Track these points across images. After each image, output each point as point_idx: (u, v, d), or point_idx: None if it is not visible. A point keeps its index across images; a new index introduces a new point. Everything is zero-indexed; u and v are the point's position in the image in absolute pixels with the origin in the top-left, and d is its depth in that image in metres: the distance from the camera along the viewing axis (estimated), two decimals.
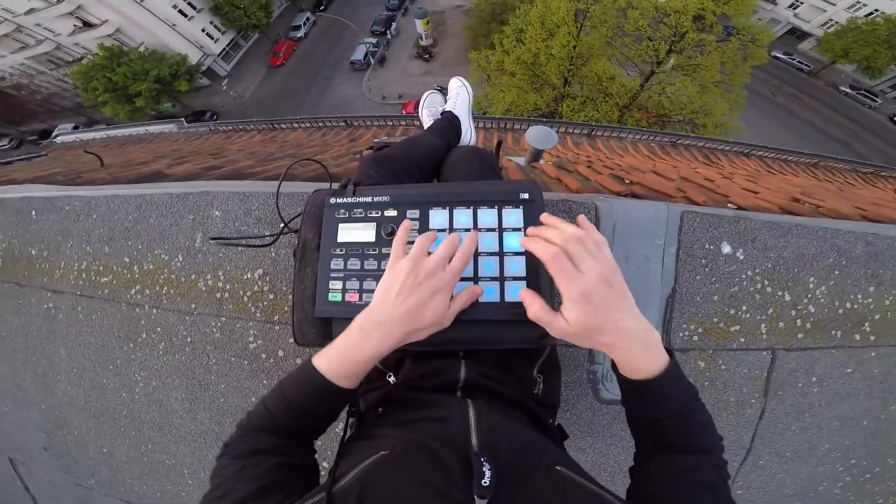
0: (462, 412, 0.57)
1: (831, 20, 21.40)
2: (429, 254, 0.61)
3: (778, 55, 21.77)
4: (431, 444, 0.49)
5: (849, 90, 21.03)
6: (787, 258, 1.26)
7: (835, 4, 21.28)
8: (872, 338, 1.36)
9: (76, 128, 19.54)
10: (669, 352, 0.57)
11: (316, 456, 0.62)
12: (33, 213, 1.66)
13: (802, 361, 1.34)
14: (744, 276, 1.24)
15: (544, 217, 0.63)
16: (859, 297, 1.32)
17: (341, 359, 0.57)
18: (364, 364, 0.57)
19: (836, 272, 1.29)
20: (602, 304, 0.52)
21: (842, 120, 20.07)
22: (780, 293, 1.27)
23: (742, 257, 1.23)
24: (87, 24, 20.49)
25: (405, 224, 0.65)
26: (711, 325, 1.25)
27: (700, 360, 1.27)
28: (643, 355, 0.55)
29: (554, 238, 0.55)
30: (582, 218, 0.61)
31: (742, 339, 1.28)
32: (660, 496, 0.54)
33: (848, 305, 1.32)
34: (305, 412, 0.58)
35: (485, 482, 0.42)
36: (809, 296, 1.29)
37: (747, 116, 12.52)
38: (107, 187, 1.64)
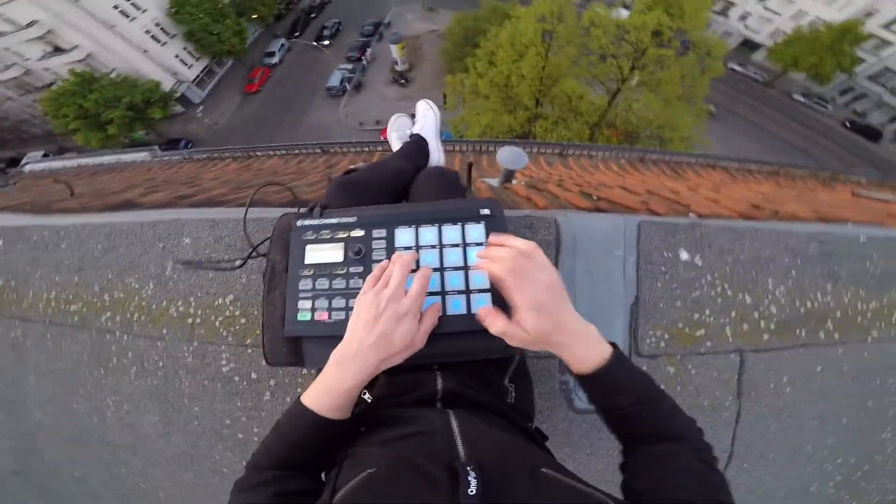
0: (445, 423, 0.59)
1: (778, 30, 22.47)
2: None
3: (734, 67, 22.68)
4: (417, 460, 0.50)
5: (802, 98, 22.08)
6: (745, 261, 1.30)
7: (780, 14, 22.49)
8: (837, 335, 1.39)
9: (46, 156, 18.96)
10: (613, 344, 0.62)
11: (322, 484, 0.62)
12: (1, 243, 1.63)
13: (772, 362, 1.36)
14: (704, 281, 1.28)
15: (492, 238, 0.68)
16: (818, 295, 1.36)
17: (326, 393, 0.60)
18: (348, 395, 0.60)
19: (793, 272, 1.34)
20: (552, 309, 0.57)
21: (799, 127, 21.02)
22: (740, 295, 1.31)
23: (700, 263, 1.27)
24: (58, 49, 20.07)
25: (382, 264, 0.67)
26: (677, 330, 1.28)
27: (669, 365, 1.30)
28: (586, 348, 0.60)
29: (502, 255, 0.60)
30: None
31: (709, 343, 1.30)
32: (646, 488, 0.55)
33: (808, 304, 1.36)
34: (303, 447, 0.60)
35: (471, 491, 0.43)
36: (770, 297, 1.32)
37: (714, 129, 13.00)
38: (77, 216, 1.63)
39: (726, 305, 1.30)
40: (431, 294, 0.72)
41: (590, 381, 0.60)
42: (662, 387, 0.63)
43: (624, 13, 11.86)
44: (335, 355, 0.61)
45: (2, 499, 1.90)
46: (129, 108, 18.22)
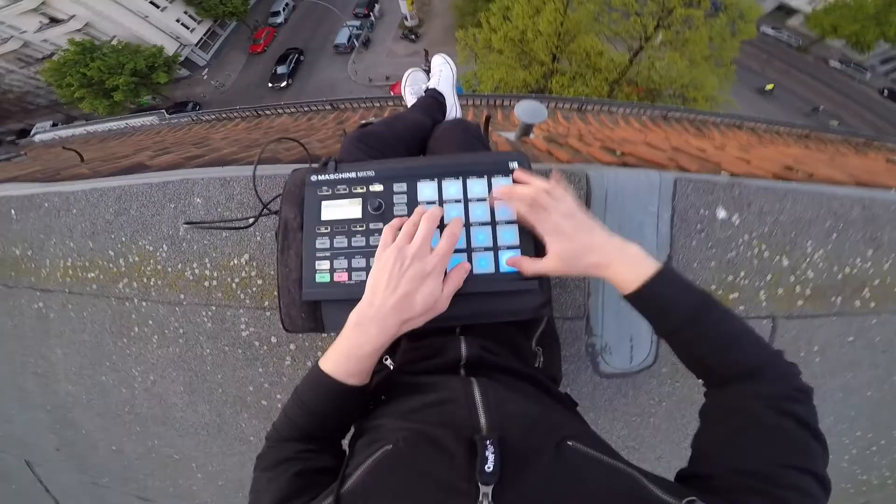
0: (467, 392, 0.56)
1: None
2: None
3: (767, 30, 21.63)
4: (436, 433, 0.47)
5: (838, 65, 21.08)
6: (784, 222, 1.24)
7: None
8: (873, 304, 1.34)
9: (55, 125, 19.03)
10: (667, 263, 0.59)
11: (345, 452, 0.61)
12: (13, 212, 1.60)
13: (803, 330, 1.33)
14: (741, 241, 1.23)
15: (516, 174, 0.69)
16: (857, 261, 1.31)
17: (345, 358, 0.57)
18: (367, 359, 0.57)
19: (834, 235, 1.28)
20: (571, 231, 0.60)
21: (832, 93, 20.15)
22: (777, 258, 1.26)
23: (738, 222, 1.21)
24: (54, 20, 19.73)
25: (395, 221, 0.64)
26: (710, 292, 1.24)
27: None
28: (628, 266, 0.58)
29: (525, 192, 0.64)
30: (555, 174, 0.67)
31: (741, 307, 1.26)
32: (704, 452, 0.51)
33: (847, 270, 1.31)
34: (324, 415, 0.59)
35: (488, 468, 0.40)
36: (808, 260, 1.28)
37: (737, 91, 12.43)
38: (84, 181, 1.58)
39: (763, 268, 1.25)
40: (457, 252, 0.67)
41: (637, 301, 0.58)
42: None
43: None
44: (354, 316, 0.58)
45: (50, 475, 2.00)
46: (133, 74, 18.13)
